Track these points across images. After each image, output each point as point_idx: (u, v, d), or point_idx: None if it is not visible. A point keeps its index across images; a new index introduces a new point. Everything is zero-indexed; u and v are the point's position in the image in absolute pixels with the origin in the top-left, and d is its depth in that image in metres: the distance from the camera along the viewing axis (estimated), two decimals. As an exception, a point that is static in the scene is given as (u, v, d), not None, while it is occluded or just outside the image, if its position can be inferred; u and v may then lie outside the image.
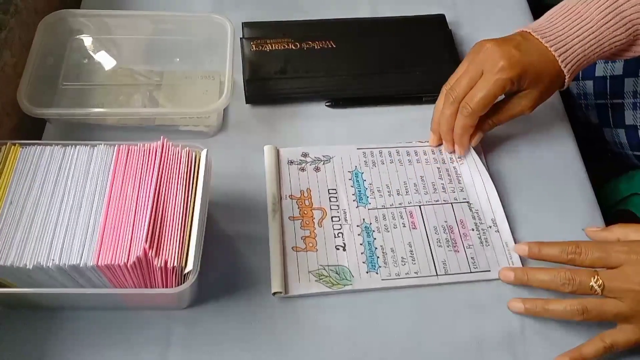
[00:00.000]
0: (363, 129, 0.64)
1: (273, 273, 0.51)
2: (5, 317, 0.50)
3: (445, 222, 0.56)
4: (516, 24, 0.59)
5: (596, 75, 0.71)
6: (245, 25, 0.70)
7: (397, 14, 0.73)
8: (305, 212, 0.55)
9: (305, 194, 0.57)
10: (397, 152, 0.61)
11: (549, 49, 0.53)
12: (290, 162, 0.59)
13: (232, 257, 0.54)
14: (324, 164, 0.59)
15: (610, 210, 0.72)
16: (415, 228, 0.55)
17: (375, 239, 0.54)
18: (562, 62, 0.53)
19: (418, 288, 0.53)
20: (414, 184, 0.59)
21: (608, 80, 0.69)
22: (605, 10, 0.52)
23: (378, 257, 0.53)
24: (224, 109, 0.62)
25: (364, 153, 0.60)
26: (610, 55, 0.56)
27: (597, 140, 0.73)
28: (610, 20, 0.52)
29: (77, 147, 0.47)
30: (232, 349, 0.49)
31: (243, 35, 0.69)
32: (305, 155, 0.60)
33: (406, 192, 0.58)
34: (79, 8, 0.71)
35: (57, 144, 0.47)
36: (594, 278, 0.46)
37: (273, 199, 0.56)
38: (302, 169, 0.59)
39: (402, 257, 0.53)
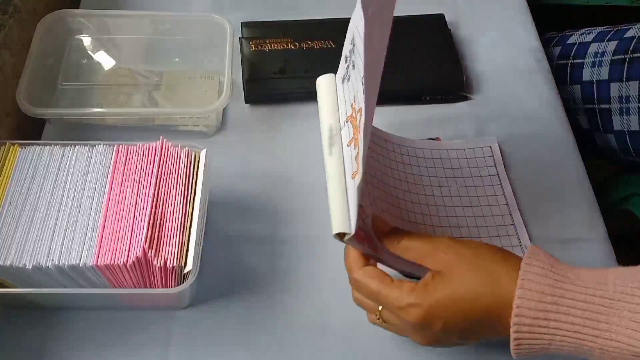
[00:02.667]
0: (362, 129, 0.63)
1: (334, 213, 0.43)
2: (5, 317, 0.50)
3: None
4: (516, 24, 0.59)
5: (583, 79, 0.71)
6: (245, 25, 0.70)
7: (397, 14, 0.72)
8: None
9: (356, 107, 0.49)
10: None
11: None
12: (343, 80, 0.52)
13: (232, 257, 0.54)
14: None
15: (610, 210, 0.72)
16: None
17: None
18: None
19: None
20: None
21: (595, 85, 0.69)
22: None
23: None
24: (223, 109, 0.62)
25: None
26: None
27: (589, 145, 0.73)
28: None
29: (77, 147, 0.47)
30: (232, 349, 0.49)
31: (242, 35, 0.69)
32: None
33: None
34: (78, 8, 0.71)
35: (57, 144, 0.47)
36: (377, 316, 0.42)
37: (330, 132, 0.49)
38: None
39: None
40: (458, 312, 0.38)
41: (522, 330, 0.36)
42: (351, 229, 0.41)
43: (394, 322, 0.41)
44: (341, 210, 0.44)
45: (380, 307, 0.42)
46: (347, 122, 0.49)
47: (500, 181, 0.59)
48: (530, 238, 0.55)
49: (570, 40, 0.75)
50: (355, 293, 0.44)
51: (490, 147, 0.61)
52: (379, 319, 0.42)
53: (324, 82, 0.53)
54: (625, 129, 0.66)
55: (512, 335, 0.37)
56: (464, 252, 0.40)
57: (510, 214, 0.57)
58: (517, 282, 0.37)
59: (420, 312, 0.38)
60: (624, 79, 0.65)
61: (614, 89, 0.67)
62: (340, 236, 0.42)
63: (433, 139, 0.61)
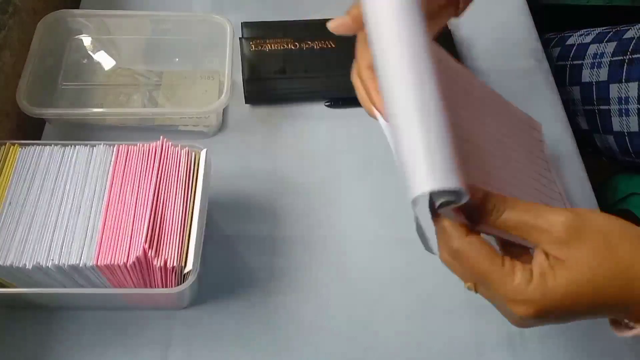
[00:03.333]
0: (363, 129, 0.64)
1: (417, 165, 0.29)
2: (5, 318, 0.50)
3: None
4: (516, 24, 0.59)
5: (583, 81, 0.71)
6: (245, 25, 0.70)
7: (397, 14, 0.73)
8: None
9: None
10: None
11: None
12: None
13: (232, 257, 0.54)
14: None
15: (610, 210, 0.72)
16: None
17: None
18: None
19: (418, 288, 0.53)
20: None
21: (594, 86, 0.69)
22: None
23: None
24: (223, 109, 0.62)
25: None
26: None
27: (589, 146, 0.73)
28: None
29: (77, 147, 0.47)
30: (232, 349, 0.49)
31: (242, 35, 0.69)
32: None
33: None
34: (78, 8, 0.71)
35: (57, 144, 0.47)
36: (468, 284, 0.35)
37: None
38: None
39: None
40: (578, 313, 0.33)
41: None
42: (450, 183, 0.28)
43: (493, 300, 0.35)
44: (428, 162, 0.29)
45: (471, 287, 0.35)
46: None
47: (550, 169, 0.50)
48: None
49: (569, 42, 0.75)
50: (447, 256, 0.34)
51: (540, 140, 0.51)
52: (470, 288, 0.35)
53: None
54: (625, 130, 0.66)
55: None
56: (593, 237, 0.32)
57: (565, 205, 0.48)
58: None
59: (534, 311, 0.32)
60: (624, 80, 0.65)
61: (613, 90, 0.67)
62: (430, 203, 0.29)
63: None
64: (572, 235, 0.32)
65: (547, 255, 0.32)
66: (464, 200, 0.29)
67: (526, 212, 0.32)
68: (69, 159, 0.46)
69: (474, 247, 0.32)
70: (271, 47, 0.67)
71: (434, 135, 0.29)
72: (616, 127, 0.67)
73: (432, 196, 0.28)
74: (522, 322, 0.34)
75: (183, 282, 0.43)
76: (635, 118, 0.65)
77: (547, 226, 0.32)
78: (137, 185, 0.44)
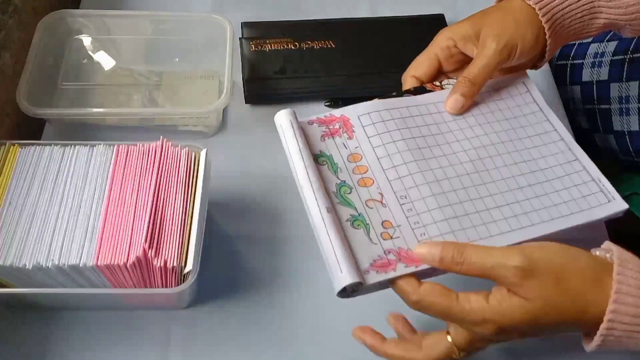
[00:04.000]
0: (362, 129, 0.63)
1: (336, 260, 0.39)
2: (6, 318, 0.50)
3: None
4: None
5: (583, 80, 0.71)
6: (245, 25, 0.70)
7: (397, 14, 0.73)
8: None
9: None
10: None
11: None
12: None
13: (232, 257, 0.54)
14: None
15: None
16: None
17: None
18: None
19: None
20: None
21: (594, 86, 0.69)
22: None
23: None
24: (223, 109, 0.62)
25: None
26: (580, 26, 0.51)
27: (589, 145, 0.73)
28: None
29: (77, 147, 0.47)
30: (232, 349, 0.49)
31: (242, 35, 0.69)
32: None
33: None
34: (78, 8, 0.71)
35: (57, 144, 0.47)
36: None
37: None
38: None
39: None
40: (538, 329, 0.38)
41: (608, 339, 0.36)
42: (363, 276, 0.38)
43: (463, 338, 0.40)
44: (345, 256, 0.39)
45: (448, 330, 0.40)
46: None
47: (546, 117, 0.51)
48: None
49: None
50: (412, 306, 0.40)
51: (524, 83, 0.53)
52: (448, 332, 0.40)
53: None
54: (625, 129, 0.66)
55: (597, 341, 0.36)
56: (544, 275, 0.36)
57: (570, 149, 0.50)
58: (610, 298, 0.35)
59: (496, 327, 0.37)
60: (624, 79, 0.65)
61: (614, 89, 0.67)
62: (356, 286, 0.38)
63: (422, 89, 0.54)
64: (525, 278, 0.36)
65: (507, 290, 0.37)
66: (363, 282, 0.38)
67: (482, 260, 0.37)
68: (69, 158, 0.46)
69: (428, 293, 0.38)
70: (271, 47, 0.67)
71: (337, 250, 0.40)
72: (617, 126, 0.67)
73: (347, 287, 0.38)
74: (489, 339, 0.39)
75: (183, 282, 0.43)
76: (636, 117, 0.65)
77: (503, 272, 0.36)
78: (137, 185, 0.44)
